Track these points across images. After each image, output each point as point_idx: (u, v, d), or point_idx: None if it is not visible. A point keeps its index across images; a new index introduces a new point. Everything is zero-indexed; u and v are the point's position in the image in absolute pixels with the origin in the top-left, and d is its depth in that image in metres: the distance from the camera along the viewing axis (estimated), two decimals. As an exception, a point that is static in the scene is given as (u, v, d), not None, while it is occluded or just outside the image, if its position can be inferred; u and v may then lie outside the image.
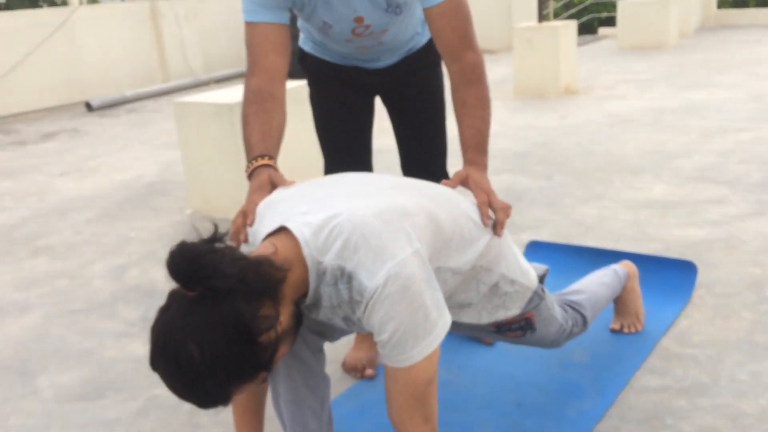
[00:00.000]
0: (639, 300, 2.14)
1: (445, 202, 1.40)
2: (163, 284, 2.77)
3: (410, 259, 1.20)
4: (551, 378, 1.92)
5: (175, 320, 1.10)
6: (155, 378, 2.07)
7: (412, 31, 1.90)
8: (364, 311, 1.20)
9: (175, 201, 3.92)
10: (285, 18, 1.68)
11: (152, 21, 8.55)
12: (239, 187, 3.45)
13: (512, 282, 1.52)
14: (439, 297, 1.26)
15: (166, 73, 8.68)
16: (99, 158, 5.15)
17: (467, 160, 1.62)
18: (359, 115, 2.06)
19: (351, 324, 1.30)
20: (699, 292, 2.34)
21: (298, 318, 1.26)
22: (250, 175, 1.51)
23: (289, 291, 1.21)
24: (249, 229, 1.38)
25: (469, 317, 1.53)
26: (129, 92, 7.77)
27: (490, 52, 9.38)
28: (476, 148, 1.62)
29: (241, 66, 9.35)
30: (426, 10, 1.68)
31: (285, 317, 1.20)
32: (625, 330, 2.12)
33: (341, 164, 2.08)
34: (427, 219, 1.31)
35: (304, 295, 1.26)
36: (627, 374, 1.91)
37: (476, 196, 1.51)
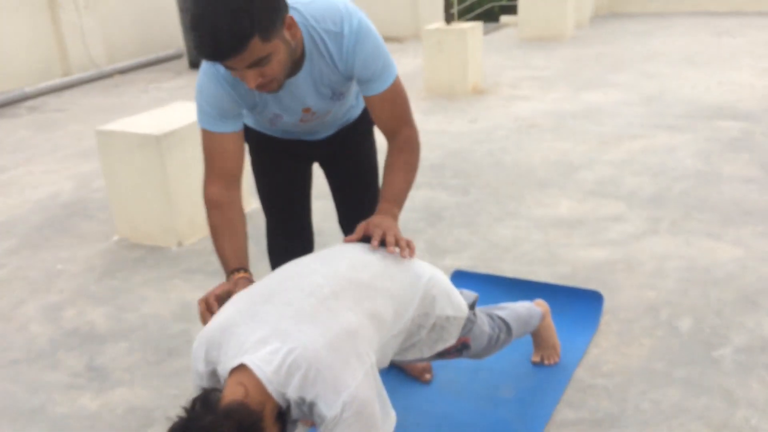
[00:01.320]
0: (554, 334, 2.40)
1: (380, 282, 1.60)
2: (103, 327, 2.84)
3: (362, 385, 1.39)
4: (483, 416, 2.16)
5: None
6: (112, 436, 2.17)
7: (347, 106, 2.05)
8: (325, 430, 1.39)
9: (98, 225, 3.91)
10: (240, 125, 1.80)
11: (50, 9, 8.19)
12: (167, 214, 3.50)
13: (447, 318, 1.76)
14: (385, 398, 1.47)
15: (67, 65, 8.36)
16: (7, 171, 5.00)
17: (379, 209, 1.82)
18: (299, 180, 2.21)
19: None
20: (605, 318, 2.63)
21: (283, 430, 1.42)
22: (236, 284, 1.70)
23: (268, 421, 1.37)
24: (208, 356, 1.48)
25: (413, 355, 1.77)
26: (28, 88, 7.47)
27: (398, 40, 9.54)
28: (391, 199, 1.83)
29: (146, 55, 9.12)
30: (367, 98, 1.83)
31: None
32: (546, 361, 2.38)
33: (284, 226, 2.25)
34: (369, 322, 1.51)
35: (278, 409, 1.42)
36: (549, 409, 2.17)
37: (373, 234, 1.72)
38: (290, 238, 2.30)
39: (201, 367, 1.49)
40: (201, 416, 1.30)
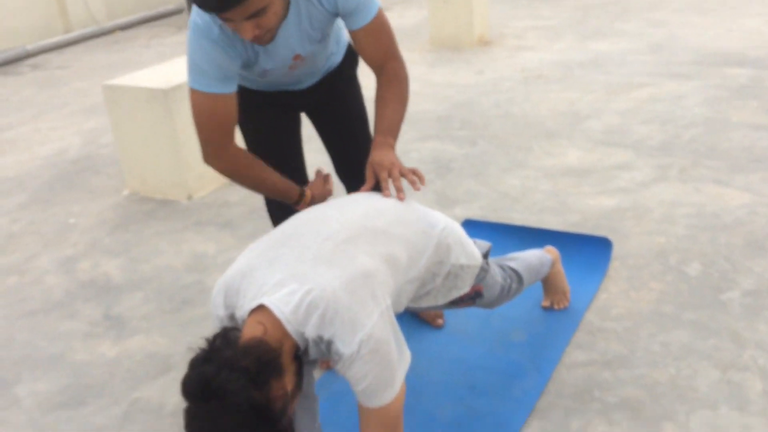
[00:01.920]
0: (564, 279, 2.43)
1: (395, 228, 1.62)
2: (118, 278, 2.88)
3: (377, 324, 1.42)
4: (496, 359, 2.20)
5: (207, 427, 1.29)
6: (132, 381, 2.24)
7: (328, 52, 2.06)
8: (342, 368, 1.44)
9: (108, 180, 3.93)
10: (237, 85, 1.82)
11: (47, -34, 8.07)
12: (177, 168, 3.52)
13: (461, 266, 1.79)
14: (401, 338, 1.51)
15: (68, 22, 8.27)
16: (14, 128, 5.00)
17: (374, 143, 1.85)
18: (288, 132, 2.22)
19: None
20: (614, 264, 2.66)
21: (300, 370, 1.46)
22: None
23: (286, 359, 1.40)
24: (227, 302, 1.52)
25: (427, 303, 1.80)
26: (30, 46, 7.41)
27: (400, -8, 9.39)
28: (385, 131, 1.86)
29: (147, 10, 9.01)
30: (352, 33, 1.86)
31: (289, 381, 1.40)
32: (555, 306, 2.42)
33: None
34: (385, 266, 1.54)
35: (296, 347, 1.45)
36: (559, 351, 2.21)
37: (379, 175, 1.77)
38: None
39: (221, 312, 1.52)
40: (221, 349, 1.33)
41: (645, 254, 2.71)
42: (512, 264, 2.12)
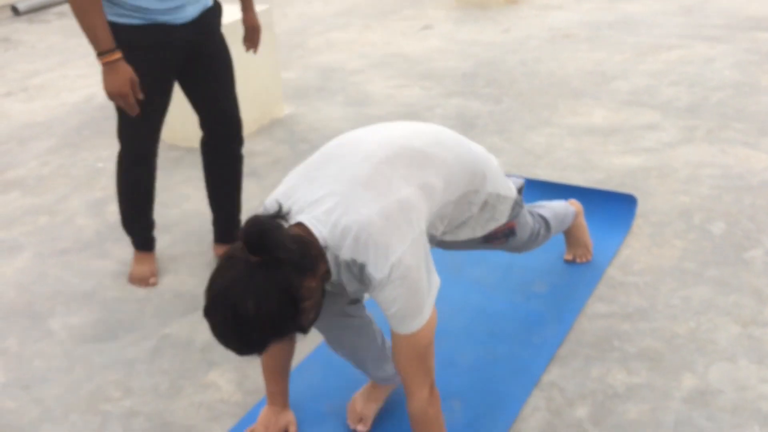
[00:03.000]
0: (587, 233, 2.45)
1: (432, 149, 1.62)
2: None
3: (409, 250, 1.45)
4: (517, 308, 2.24)
5: (239, 279, 1.30)
6: (162, 318, 2.30)
7: None
8: (373, 292, 1.48)
9: (135, 127, 3.97)
10: None
11: None
12: (204, 117, 3.54)
13: (498, 196, 1.81)
14: (431, 265, 1.53)
15: (92, -29, 8.24)
16: (42, 75, 5.04)
17: None
18: (160, 100, 2.32)
19: (364, 292, 1.58)
20: (637, 222, 2.67)
21: (323, 292, 1.51)
22: (111, 64, 2.00)
23: (321, 270, 1.45)
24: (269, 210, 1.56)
25: (465, 234, 1.83)
26: (55, -7, 7.41)
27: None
28: None
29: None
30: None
31: (317, 290, 1.44)
32: (578, 260, 2.44)
33: (150, 149, 2.44)
34: (420, 191, 1.55)
35: (327, 272, 1.50)
36: (580, 302, 2.24)
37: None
38: (152, 163, 2.47)
39: None
40: (277, 226, 1.34)
41: (669, 212, 2.72)
42: (540, 211, 2.16)
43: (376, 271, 1.43)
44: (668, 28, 5.09)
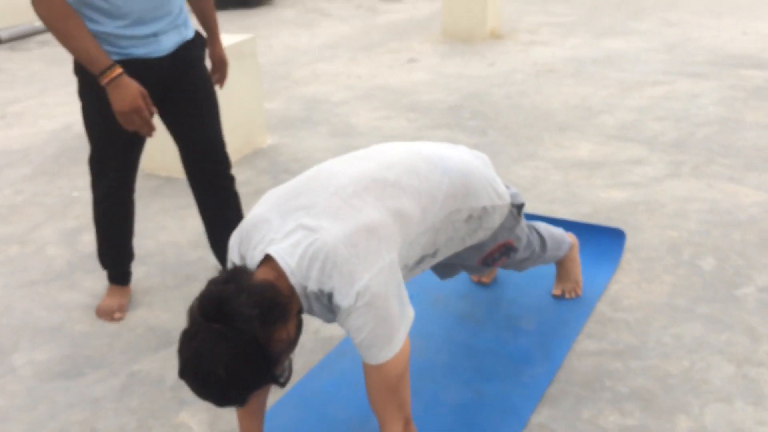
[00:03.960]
0: (579, 268, 2.39)
1: (406, 180, 1.59)
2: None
3: (376, 278, 1.41)
4: (504, 345, 2.15)
5: (203, 349, 1.29)
6: (132, 353, 2.19)
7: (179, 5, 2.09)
8: (342, 321, 1.46)
9: (113, 155, 3.88)
10: None
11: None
12: (184, 146, 3.46)
13: (483, 209, 1.77)
14: (404, 295, 1.49)
15: (77, 1, 8.22)
16: (21, 102, 4.96)
17: None
18: (136, 140, 2.20)
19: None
20: (626, 257, 2.61)
21: (299, 327, 1.48)
22: (114, 81, 1.89)
23: (293, 309, 1.43)
24: (241, 249, 1.54)
25: (455, 247, 1.78)
26: (38, 22, 7.36)
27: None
28: None
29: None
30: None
31: (291, 331, 1.42)
32: (567, 295, 2.37)
33: (128, 182, 2.31)
34: (392, 220, 1.52)
35: (300, 309, 1.48)
36: (569, 339, 2.16)
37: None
38: (129, 196, 2.35)
39: (236, 260, 1.54)
40: (241, 276, 1.36)
41: (657, 247, 2.66)
42: (537, 227, 2.14)
43: (342, 298, 1.40)
44: (653, 65, 5.11)
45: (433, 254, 1.75)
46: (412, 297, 2.38)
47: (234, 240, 1.55)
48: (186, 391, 2.03)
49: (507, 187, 1.89)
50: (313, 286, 1.43)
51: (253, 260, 1.49)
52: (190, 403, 1.98)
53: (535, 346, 2.14)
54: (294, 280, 1.42)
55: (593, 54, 5.51)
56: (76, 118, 4.53)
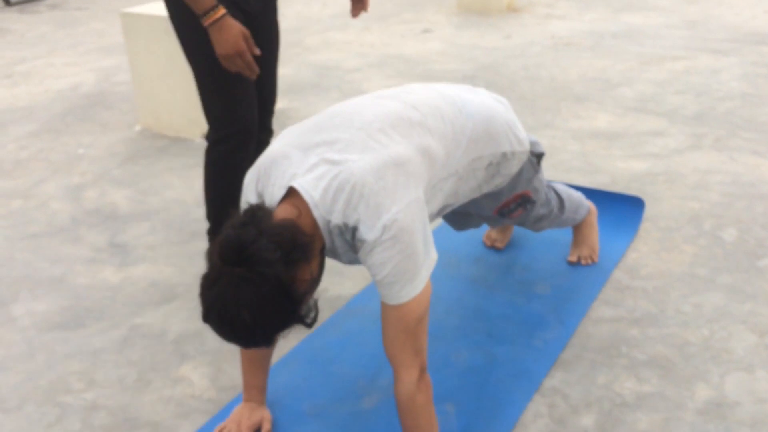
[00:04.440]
0: (596, 235, 2.31)
1: (432, 121, 1.52)
2: (125, 208, 2.77)
3: (404, 212, 1.34)
4: (517, 309, 2.08)
5: (227, 295, 1.22)
6: (134, 307, 2.13)
7: None
8: (364, 257, 1.38)
9: (121, 115, 3.81)
10: None
11: None
12: (193, 105, 3.39)
13: (503, 155, 1.70)
14: (429, 236, 1.42)
15: (88, -35, 8.10)
16: (28, 62, 4.88)
17: None
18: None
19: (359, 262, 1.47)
20: (645, 225, 2.53)
21: (322, 264, 1.41)
22: (217, 23, 1.74)
23: (316, 247, 1.35)
24: (258, 187, 1.46)
25: (472, 194, 1.71)
26: (48, -14, 7.26)
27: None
28: None
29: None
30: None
31: (315, 270, 1.35)
32: (582, 262, 2.29)
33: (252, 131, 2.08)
34: (420, 157, 1.45)
35: (324, 246, 1.41)
36: (585, 305, 2.09)
37: None
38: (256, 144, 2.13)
39: (252, 198, 1.46)
40: (260, 219, 1.26)
41: (678, 217, 2.58)
42: (555, 187, 2.07)
43: (367, 231, 1.33)
44: (672, 40, 4.99)
45: (453, 204, 1.68)
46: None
47: (250, 177, 1.47)
48: (188, 345, 1.97)
49: (530, 140, 1.82)
50: (337, 220, 1.35)
51: (272, 197, 1.41)
52: (192, 357, 1.92)
53: (548, 311, 2.07)
54: (317, 213, 1.35)
55: (612, 28, 5.38)
56: (84, 78, 4.46)
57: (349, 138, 1.42)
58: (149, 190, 2.92)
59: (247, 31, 1.85)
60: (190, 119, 3.43)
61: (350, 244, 1.40)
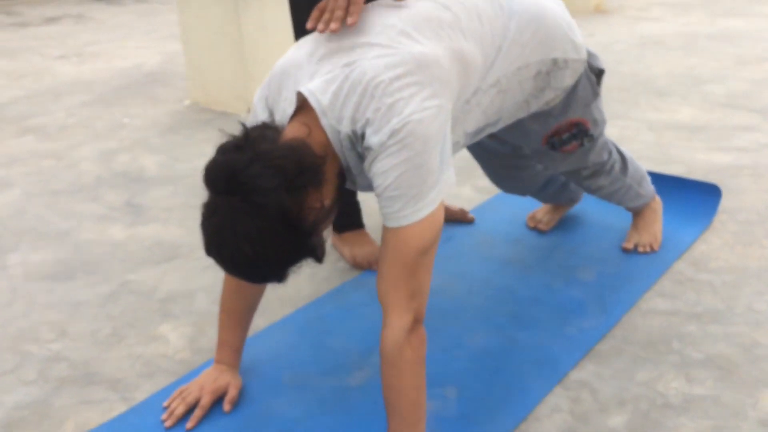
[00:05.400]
0: (660, 224, 2.00)
1: (467, 22, 1.29)
2: (152, 172, 2.64)
3: (417, 116, 1.13)
4: (552, 293, 1.78)
5: (225, 226, 1.07)
6: (131, 264, 1.96)
7: None
8: (368, 166, 1.17)
9: (174, 91, 3.73)
10: None
11: None
12: (240, 79, 3.26)
13: (553, 61, 1.43)
14: (447, 152, 1.19)
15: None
16: (101, 44, 4.93)
17: None
18: None
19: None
20: (720, 218, 2.17)
21: (341, 187, 1.23)
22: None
23: (329, 170, 1.16)
24: (269, 102, 1.28)
25: (519, 111, 1.47)
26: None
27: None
28: None
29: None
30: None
31: (328, 197, 1.16)
32: (640, 249, 1.96)
33: None
34: (450, 60, 1.23)
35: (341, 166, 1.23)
36: (635, 295, 1.76)
37: None
38: None
39: (262, 116, 1.27)
40: (258, 141, 1.09)
41: (761, 212, 2.20)
42: (618, 147, 1.83)
43: (373, 134, 1.13)
44: (776, 42, 4.52)
45: (495, 123, 1.43)
46: (452, 237, 2.05)
47: (260, 94, 1.28)
48: (175, 305, 1.78)
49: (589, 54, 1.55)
50: (346, 128, 1.15)
51: (284, 114, 1.22)
52: (176, 317, 1.73)
53: (590, 298, 1.76)
54: (326, 122, 1.16)
55: (707, 30, 4.95)
56: (149, 59, 4.44)
57: (368, 41, 1.21)
58: (181, 157, 2.78)
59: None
60: (237, 94, 3.30)
61: (361, 156, 1.19)
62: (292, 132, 1.16)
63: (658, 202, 2.02)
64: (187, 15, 3.35)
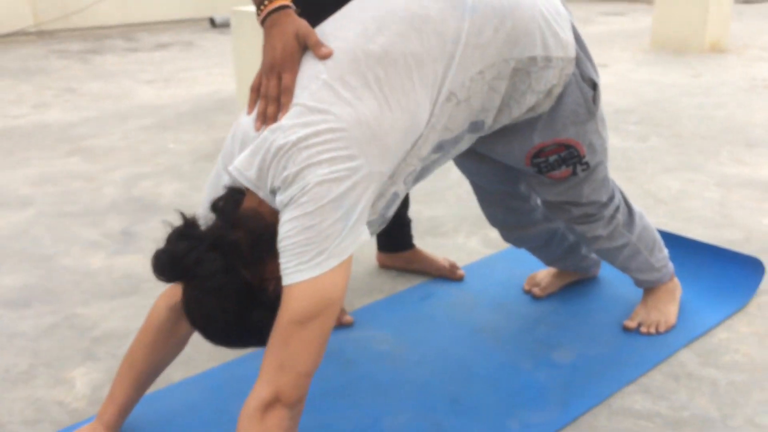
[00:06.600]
0: (676, 305, 1.69)
1: (399, 43, 1.16)
2: (167, 200, 2.60)
3: (317, 179, 1.06)
4: (512, 375, 1.51)
5: (191, 308, 1.12)
6: (87, 296, 1.89)
7: None
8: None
9: (233, 119, 3.73)
10: None
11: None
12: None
13: (532, 60, 1.26)
14: (358, 220, 1.10)
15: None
16: (192, 71, 5.07)
17: None
18: None
19: None
20: (759, 300, 1.79)
21: None
22: (265, 21, 1.25)
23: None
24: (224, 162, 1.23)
25: (502, 119, 1.31)
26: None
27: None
28: None
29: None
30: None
31: None
32: (643, 329, 1.65)
33: None
34: (379, 111, 1.13)
35: None
36: (609, 388, 1.46)
37: None
38: None
39: (213, 194, 1.23)
40: (192, 226, 1.14)
41: (817, 296, 1.81)
42: (627, 200, 1.61)
43: (280, 195, 1.09)
44: None
45: (461, 136, 1.27)
46: (430, 295, 1.83)
47: (221, 153, 1.24)
48: (104, 346, 1.68)
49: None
50: (275, 183, 1.12)
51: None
52: (97, 360, 1.62)
53: (554, 386, 1.48)
54: (262, 194, 1.13)
55: (838, 74, 4.36)
56: (227, 86, 4.50)
57: (294, 102, 1.14)
58: (202, 186, 2.72)
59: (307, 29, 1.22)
60: (281, 124, 3.23)
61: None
62: (248, 201, 1.15)
63: (676, 284, 1.72)
64: (240, 42, 3.34)
